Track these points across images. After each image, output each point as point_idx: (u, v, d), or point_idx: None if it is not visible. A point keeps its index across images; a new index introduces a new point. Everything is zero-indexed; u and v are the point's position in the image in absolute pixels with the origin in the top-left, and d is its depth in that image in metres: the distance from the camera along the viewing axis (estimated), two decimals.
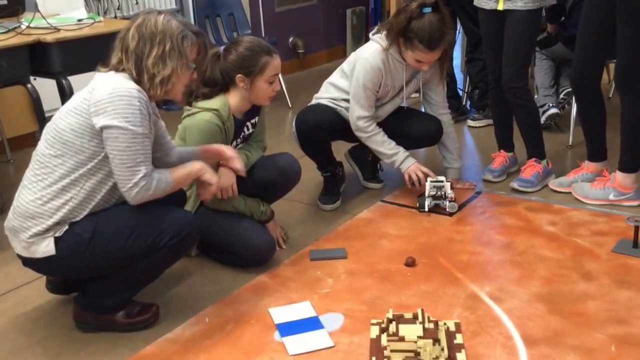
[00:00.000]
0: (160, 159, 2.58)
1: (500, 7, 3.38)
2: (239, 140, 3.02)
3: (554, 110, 4.33)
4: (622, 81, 3.18)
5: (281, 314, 2.60)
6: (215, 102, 2.85)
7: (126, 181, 2.32)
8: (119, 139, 2.28)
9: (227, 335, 2.49)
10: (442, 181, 3.35)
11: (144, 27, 2.36)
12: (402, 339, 2.29)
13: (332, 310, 2.62)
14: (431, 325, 2.37)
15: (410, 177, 3.41)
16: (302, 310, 2.62)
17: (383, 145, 3.40)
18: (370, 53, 3.32)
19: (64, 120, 2.33)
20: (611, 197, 3.35)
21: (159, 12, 2.41)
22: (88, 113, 2.29)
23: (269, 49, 2.90)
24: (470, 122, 4.63)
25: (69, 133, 2.31)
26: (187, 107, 2.89)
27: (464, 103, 4.87)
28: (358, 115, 3.35)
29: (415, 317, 2.41)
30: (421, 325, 2.34)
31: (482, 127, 4.55)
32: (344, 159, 3.76)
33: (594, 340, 2.36)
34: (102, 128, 2.27)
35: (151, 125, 2.38)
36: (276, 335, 2.48)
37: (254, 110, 3.04)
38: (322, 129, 3.35)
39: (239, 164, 2.77)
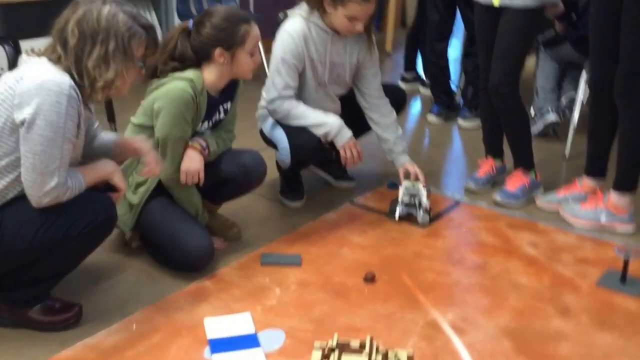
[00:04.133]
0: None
1: (496, 3, 3.04)
2: (210, 123, 2.71)
3: (552, 118, 4.01)
4: (621, 92, 2.86)
5: (216, 326, 2.32)
6: (189, 73, 2.55)
7: (35, 189, 2.05)
8: (34, 140, 2.00)
9: (153, 347, 2.21)
10: (417, 187, 3.05)
11: (84, 22, 2.07)
12: None
13: (273, 326, 2.33)
14: (379, 358, 2.08)
15: (345, 153, 2.99)
16: (240, 323, 2.34)
17: (307, 115, 2.97)
18: (289, 24, 2.99)
19: None
20: (602, 219, 3.04)
21: (104, 1, 2.10)
22: (11, 105, 2.01)
23: (247, 18, 2.61)
24: (460, 122, 4.30)
25: None
26: (156, 79, 2.59)
27: (458, 100, 4.53)
28: (271, 98, 2.99)
29: (362, 346, 2.12)
30: (367, 357, 2.06)
31: (473, 128, 4.19)
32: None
33: None
34: (21, 123, 2.00)
35: (79, 128, 2.12)
36: (206, 351, 2.20)
37: (229, 93, 2.74)
38: (318, 152, 3.05)
39: (154, 161, 2.43)
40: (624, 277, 2.61)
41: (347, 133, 2.99)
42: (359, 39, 3.05)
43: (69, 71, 2.07)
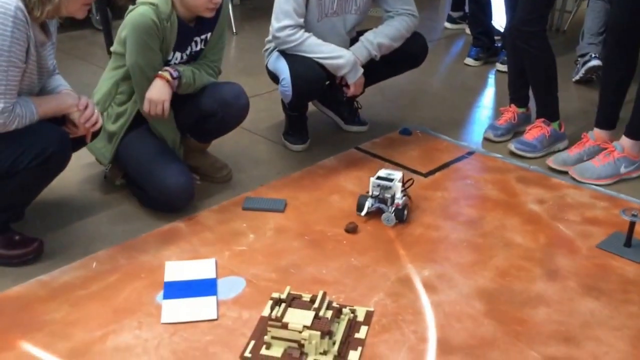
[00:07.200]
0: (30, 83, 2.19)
1: None
2: (184, 55, 2.55)
3: (595, 62, 3.68)
4: (614, 44, 2.68)
5: (177, 270, 2.24)
6: None
7: None
8: None
9: (106, 288, 2.14)
10: (391, 180, 2.53)
11: None
12: (285, 326, 1.90)
13: (236, 273, 2.23)
14: (328, 313, 1.95)
15: (355, 89, 2.88)
16: (202, 268, 2.25)
17: (321, 46, 2.81)
18: None
19: None
20: (622, 169, 2.79)
21: None
22: None
23: None
24: (499, 66, 4.00)
25: None
26: (131, 5, 2.46)
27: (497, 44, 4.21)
28: (282, 25, 2.78)
29: (312, 300, 2.00)
30: (314, 313, 1.93)
31: None
32: (312, 106, 3.23)
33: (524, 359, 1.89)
34: None
35: (28, 52, 2.03)
36: (159, 296, 2.12)
37: (206, 24, 2.56)
38: (320, 84, 2.88)
39: (84, 118, 2.22)
40: (629, 240, 2.36)
41: (361, 69, 2.85)
42: None
43: None
